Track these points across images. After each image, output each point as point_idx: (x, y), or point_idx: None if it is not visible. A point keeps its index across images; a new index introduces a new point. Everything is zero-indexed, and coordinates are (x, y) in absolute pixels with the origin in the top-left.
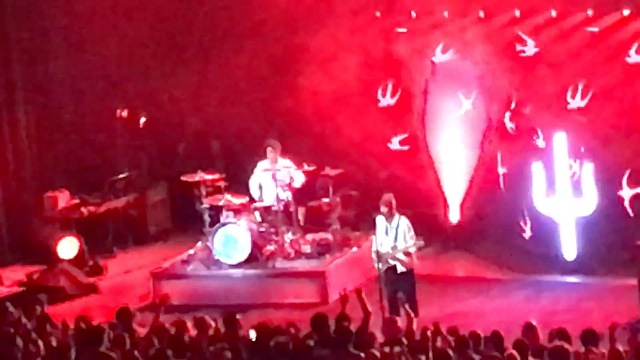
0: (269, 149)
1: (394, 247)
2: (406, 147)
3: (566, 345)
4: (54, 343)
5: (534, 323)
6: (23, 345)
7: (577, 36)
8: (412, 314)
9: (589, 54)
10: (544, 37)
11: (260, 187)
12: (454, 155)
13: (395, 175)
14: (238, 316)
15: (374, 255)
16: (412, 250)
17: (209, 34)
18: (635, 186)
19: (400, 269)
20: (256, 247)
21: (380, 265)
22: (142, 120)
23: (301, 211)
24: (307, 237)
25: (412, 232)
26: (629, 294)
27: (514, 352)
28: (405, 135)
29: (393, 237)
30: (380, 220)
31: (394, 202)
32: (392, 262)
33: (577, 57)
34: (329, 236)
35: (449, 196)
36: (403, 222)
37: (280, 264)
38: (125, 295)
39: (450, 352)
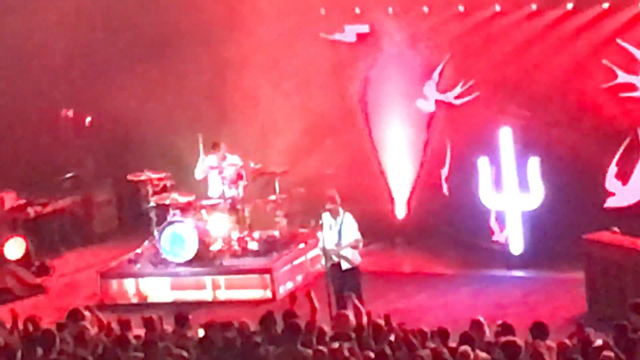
0: (222, 145)
1: (338, 244)
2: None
3: (517, 340)
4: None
5: (482, 319)
6: None
7: (523, 30)
8: (362, 308)
9: (535, 48)
10: (484, 32)
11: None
12: (399, 150)
13: (342, 172)
14: (190, 316)
15: (320, 252)
16: (348, 250)
17: (156, 34)
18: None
19: (345, 265)
20: (203, 245)
21: (325, 262)
22: (88, 119)
23: (248, 209)
24: (254, 234)
25: (356, 228)
26: (576, 288)
27: (467, 348)
28: (350, 131)
29: (337, 234)
30: (326, 216)
31: (337, 197)
32: (336, 259)
33: (523, 52)
34: (276, 233)
35: (395, 192)
36: (347, 219)
37: (227, 261)
38: (73, 295)
39: (400, 346)
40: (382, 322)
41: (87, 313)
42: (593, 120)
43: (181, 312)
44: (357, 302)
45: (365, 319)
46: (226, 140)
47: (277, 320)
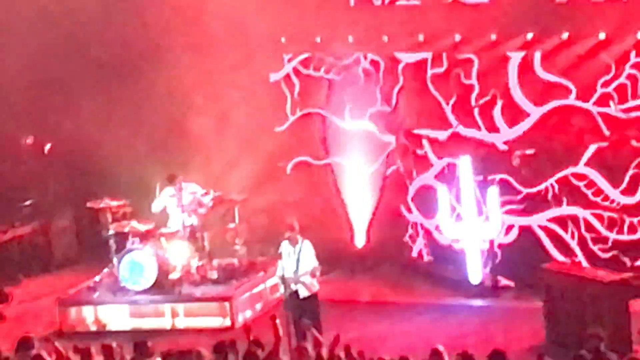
0: (179, 177)
1: (296, 272)
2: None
3: None
4: None
5: (441, 349)
6: None
7: (487, 57)
8: (321, 339)
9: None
10: (452, 59)
11: (165, 210)
12: (358, 178)
13: (301, 200)
14: (149, 343)
15: (278, 280)
16: (306, 278)
17: (115, 60)
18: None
19: (303, 293)
20: (162, 273)
21: (284, 290)
22: (47, 146)
23: (207, 236)
24: (213, 262)
25: (313, 256)
26: (534, 317)
27: None
28: (307, 159)
29: (295, 262)
30: (284, 245)
31: (296, 225)
32: (294, 287)
33: (486, 77)
34: (235, 261)
35: (354, 220)
36: (306, 247)
37: (186, 289)
38: (31, 322)
39: None
40: (342, 353)
41: (37, 343)
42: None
43: (140, 339)
44: (315, 332)
45: (324, 350)
46: (185, 167)
47: (231, 349)
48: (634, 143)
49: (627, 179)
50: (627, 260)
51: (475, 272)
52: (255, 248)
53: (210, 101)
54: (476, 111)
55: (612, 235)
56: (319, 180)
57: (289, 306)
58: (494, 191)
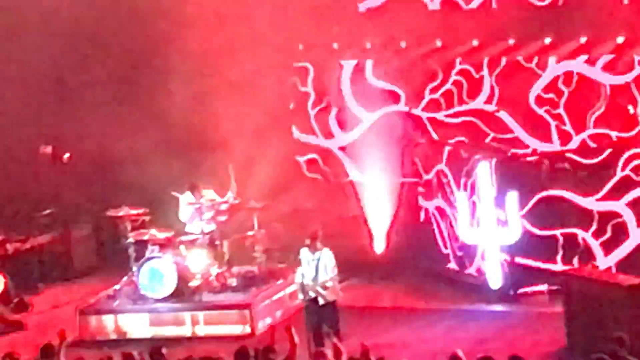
0: (192, 187)
1: (315, 280)
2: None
3: None
4: None
5: (460, 354)
6: None
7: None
8: (342, 348)
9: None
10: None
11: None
12: (377, 184)
13: (321, 207)
14: (164, 350)
15: (297, 288)
16: (329, 284)
17: (135, 69)
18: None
19: (323, 301)
20: (182, 281)
21: (303, 296)
22: (66, 156)
23: (226, 244)
24: (232, 270)
25: (334, 265)
26: (555, 322)
27: None
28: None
29: (314, 269)
30: (304, 252)
31: (320, 234)
32: (313, 294)
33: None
34: (255, 269)
35: (373, 226)
36: (325, 255)
37: (206, 297)
38: (51, 331)
39: None
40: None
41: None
42: None
43: (155, 347)
44: (336, 340)
45: (344, 357)
46: (204, 174)
47: (251, 356)
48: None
49: None
50: None
51: (495, 277)
52: (275, 255)
53: (229, 109)
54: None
55: None
56: (338, 187)
57: (308, 313)
58: (512, 196)
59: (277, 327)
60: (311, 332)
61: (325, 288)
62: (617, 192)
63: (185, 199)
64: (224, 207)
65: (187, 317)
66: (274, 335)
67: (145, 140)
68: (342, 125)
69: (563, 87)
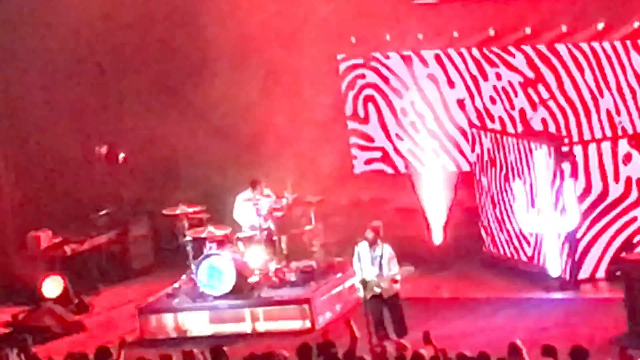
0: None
1: (380, 275)
2: (388, 169)
3: None
4: None
5: (519, 343)
6: None
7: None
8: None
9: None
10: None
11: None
12: (434, 175)
13: (376, 199)
14: (225, 347)
15: (358, 284)
16: (399, 277)
17: (191, 67)
18: None
19: (387, 294)
20: (241, 278)
21: (365, 293)
22: (121, 156)
23: (284, 239)
24: (291, 265)
25: (395, 260)
26: (616, 308)
27: None
28: (380, 156)
29: (378, 265)
30: (363, 247)
31: (381, 230)
32: (378, 290)
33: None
34: (313, 263)
35: (431, 217)
36: (387, 250)
37: (265, 293)
38: (112, 331)
39: None
40: (423, 351)
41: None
42: None
43: (216, 345)
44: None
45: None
46: (260, 170)
47: (314, 351)
48: None
49: None
50: None
51: (555, 264)
52: (333, 249)
53: (284, 103)
54: None
55: None
56: (394, 179)
57: (370, 308)
58: (570, 184)
59: (330, 328)
60: (374, 326)
61: (395, 282)
62: None
63: (241, 197)
64: (280, 203)
65: (246, 314)
66: (327, 335)
67: (201, 137)
68: (397, 117)
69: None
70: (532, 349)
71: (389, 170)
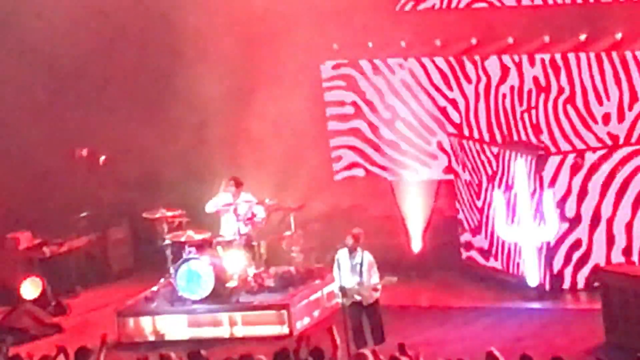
0: (230, 182)
1: (360, 283)
2: (368, 175)
3: None
4: None
5: (496, 352)
6: None
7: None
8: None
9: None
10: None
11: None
12: (413, 183)
13: (356, 205)
14: (202, 352)
15: (337, 290)
16: (380, 286)
17: (164, 69)
18: None
19: (366, 302)
20: (219, 282)
21: (344, 300)
22: (102, 158)
23: (263, 245)
24: (270, 270)
25: (375, 267)
26: (593, 319)
27: None
28: (360, 162)
29: (358, 273)
30: (342, 254)
31: (362, 237)
32: (358, 298)
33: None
34: (292, 269)
35: (410, 225)
36: (367, 257)
37: (244, 298)
38: (90, 334)
39: None
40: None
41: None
42: None
43: (194, 349)
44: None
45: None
46: (240, 176)
47: (291, 357)
48: None
49: None
50: None
51: (533, 274)
52: (312, 255)
53: (264, 108)
54: None
55: None
56: (374, 186)
57: (349, 314)
58: (549, 194)
59: (305, 335)
60: (353, 333)
61: (375, 290)
62: None
63: (222, 198)
64: (259, 209)
65: (224, 318)
66: (300, 342)
67: (181, 141)
68: (377, 124)
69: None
70: (510, 359)
71: (370, 177)
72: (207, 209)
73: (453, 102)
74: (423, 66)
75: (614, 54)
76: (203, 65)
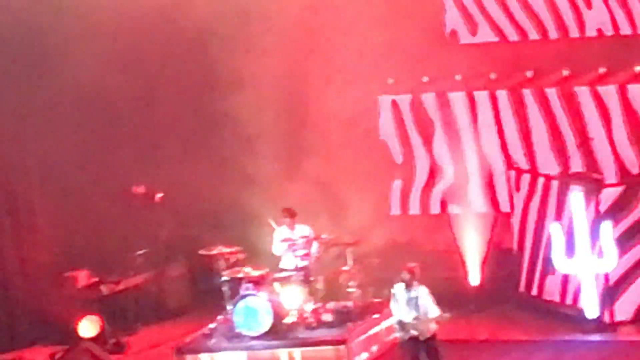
0: (284, 214)
1: (417, 317)
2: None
3: None
4: None
5: None
6: None
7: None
8: None
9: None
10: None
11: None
12: (471, 216)
13: (413, 240)
14: None
15: (395, 325)
16: (433, 324)
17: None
18: None
19: (424, 336)
20: (277, 318)
21: (402, 334)
22: (159, 195)
23: (320, 280)
24: (327, 305)
25: (432, 300)
26: None
27: None
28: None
29: (414, 307)
30: (399, 288)
31: (417, 271)
32: (415, 332)
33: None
34: (350, 304)
35: (468, 258)
36: (423, 292)
37: (302, 333)
38: None
39: None
40: None
41: None
42: None
43: None
44: None
45: None
46: (298, 210)
47: None
48: None
49: None
50: None
51: (592, 306)
52: (370, 290)
53: (318, 146)
54: None
55: None
56: (431, 220)
57: (407, 349)
58: (607, 225)
59: None
60: None
61: (432, 323)
62: None
63: (280, 233)
64: (315, 244)
65: (283, 354)
66: None
67: (238, 178)
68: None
69: None
70: None
71: (426, 211)
72: (274, 252)
73: (510, 135)
74: (479, 99)
75: None
76: (252, 101)
